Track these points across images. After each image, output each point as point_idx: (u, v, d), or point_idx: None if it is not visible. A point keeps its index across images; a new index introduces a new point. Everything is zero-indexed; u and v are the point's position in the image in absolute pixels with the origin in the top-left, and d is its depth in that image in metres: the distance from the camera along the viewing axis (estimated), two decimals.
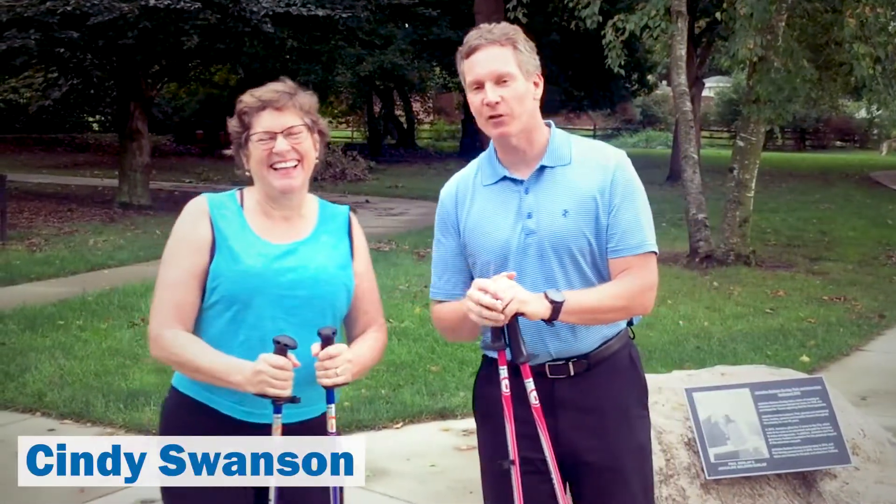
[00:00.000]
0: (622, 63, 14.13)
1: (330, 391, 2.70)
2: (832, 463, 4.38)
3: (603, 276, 2.86)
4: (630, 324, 3.02)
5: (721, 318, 9.72)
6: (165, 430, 2.84)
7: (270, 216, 2.84)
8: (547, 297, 2.70)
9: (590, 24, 14.06)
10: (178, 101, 36.70)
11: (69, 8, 16.14)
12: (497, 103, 2.78)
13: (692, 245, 13.02)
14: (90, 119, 41.73)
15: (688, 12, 13.60)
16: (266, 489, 2.74)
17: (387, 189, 23.45)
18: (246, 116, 2.78)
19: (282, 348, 2.60)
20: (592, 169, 2.85)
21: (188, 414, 2.81)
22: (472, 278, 2.88)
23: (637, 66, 32.59)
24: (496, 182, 2.91)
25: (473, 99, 2.83)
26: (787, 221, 18.36)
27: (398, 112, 43.06)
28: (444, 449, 6.01)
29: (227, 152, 2.91)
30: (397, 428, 6.32)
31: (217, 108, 34.14)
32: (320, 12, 18.38)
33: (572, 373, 2.87)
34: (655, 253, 2.87)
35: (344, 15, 19.60)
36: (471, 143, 36.22)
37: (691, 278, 11.79)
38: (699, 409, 4.35)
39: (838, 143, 51.01)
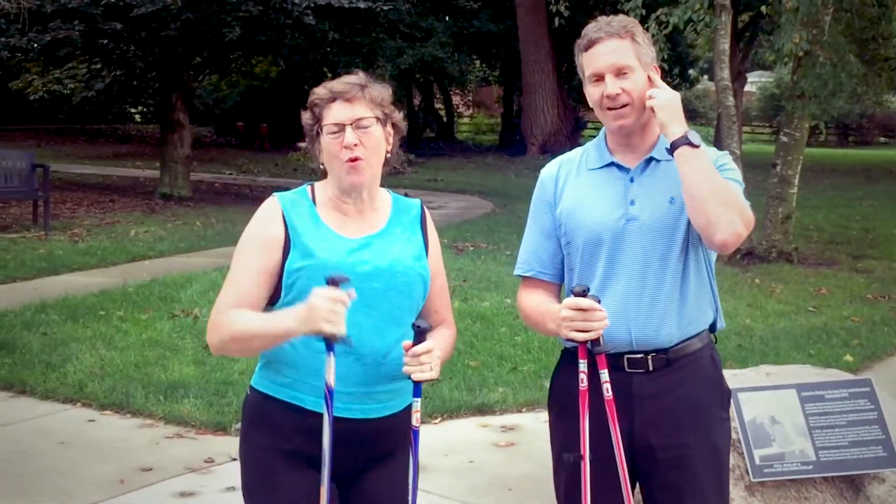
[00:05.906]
0: (665, 57, 14.02)
1: (417, 385, 2.69)
2: (880, 466, 4.30)
3: (699, 261, 2.95)
4: (713, 329, 3.02)
5: (763, 315, 9.60)
6: (249, 428, 2.83)
7: (344, 210, 2.80)
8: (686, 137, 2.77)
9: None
10: (219, 92, 36.86)
11: None
12: (618, 95, 2.82)
13: None
14: (132, 110, 42.04)
15: (731, 6, 13.45)
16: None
17: (426, 182, 23.40)
18: (317, 108, 2.74)
19: (334, 281, 2.52)
20: None
21: (271, 412, 2.77)
22: (562, 261, 2.99)
23: (679, 61, 32.29)
24: (602, 167, 2.94)
25: (593, 91, 2.87)
26: (830, 218, 18.12)
27: (438, 105, 43.02)
28: (483, 445, 5.97)
29: (301, 145, 2.85)
30: (436, 423, 6.29)
31: (258, 100, 34.33)
32: (362, 4, 18.41)
33: (651, 367, 2.87)
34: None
35: (385, 7, 19.64)
36: (510, 136, 36.14)
37: (732, 275, 11.66)
38: (744, 410, 4.28)
39: (882, 139, 50.19)
